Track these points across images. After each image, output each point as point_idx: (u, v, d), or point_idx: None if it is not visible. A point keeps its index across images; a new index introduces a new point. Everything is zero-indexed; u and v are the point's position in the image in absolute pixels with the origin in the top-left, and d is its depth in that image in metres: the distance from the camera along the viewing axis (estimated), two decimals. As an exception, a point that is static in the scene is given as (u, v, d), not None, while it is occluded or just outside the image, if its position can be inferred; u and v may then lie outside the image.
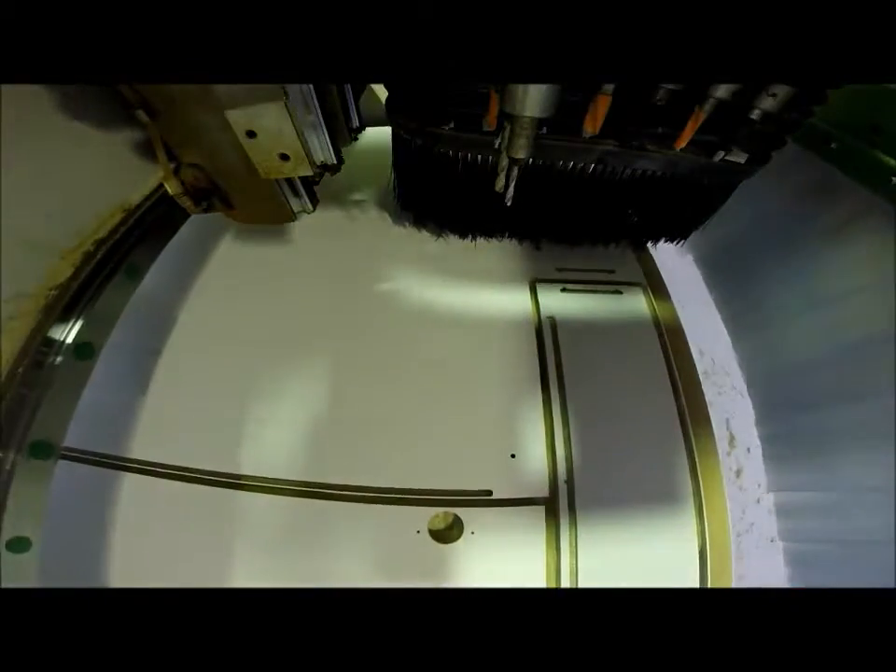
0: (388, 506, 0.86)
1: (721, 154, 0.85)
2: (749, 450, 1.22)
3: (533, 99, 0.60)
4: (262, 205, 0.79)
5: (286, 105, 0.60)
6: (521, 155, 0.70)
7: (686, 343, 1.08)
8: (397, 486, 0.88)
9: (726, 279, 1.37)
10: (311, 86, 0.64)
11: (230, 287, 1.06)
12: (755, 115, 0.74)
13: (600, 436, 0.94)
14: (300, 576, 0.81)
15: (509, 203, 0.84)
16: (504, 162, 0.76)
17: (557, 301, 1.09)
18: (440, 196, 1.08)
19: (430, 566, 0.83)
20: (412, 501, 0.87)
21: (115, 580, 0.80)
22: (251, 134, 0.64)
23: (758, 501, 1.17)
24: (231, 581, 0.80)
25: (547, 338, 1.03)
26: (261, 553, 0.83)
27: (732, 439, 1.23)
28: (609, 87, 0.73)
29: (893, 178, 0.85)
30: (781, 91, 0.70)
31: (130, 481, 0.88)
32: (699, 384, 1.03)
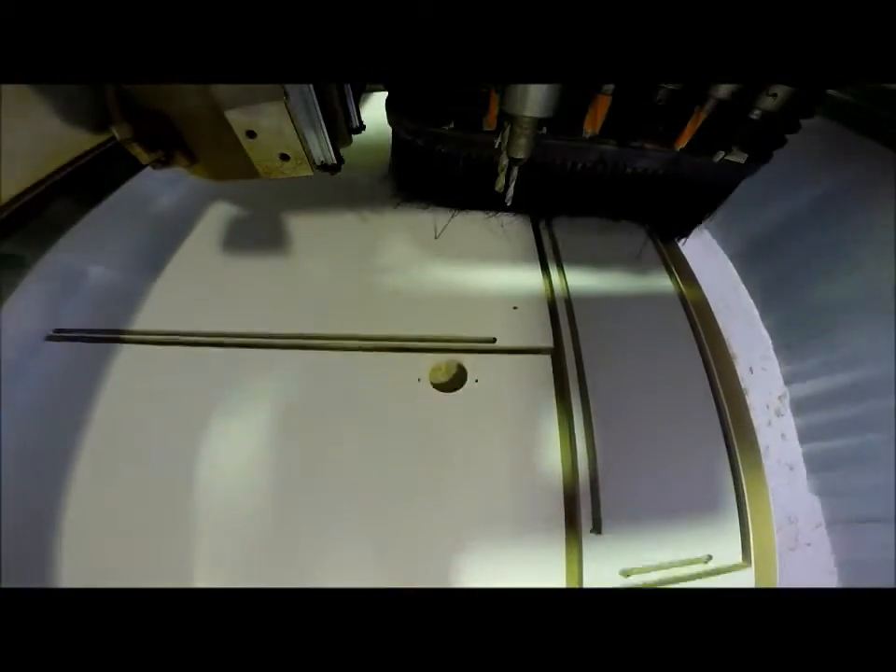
0: (390, 353, 0.87)
1: (721, 154, 0.85)
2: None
3: (533, 99, 0.60)
4: (230, 158, 0.70)
5: (286, 105, 0.60)
6: (521, 155, 0.70)
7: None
8: (398, 335, 0.90)
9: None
10: (311, 86, 0.64)
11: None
12: (755, 115, 0.75)
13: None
14: (301, 429, 0.81)
15: (509, 203, 0.85)
16: (504, 162, 0.76)
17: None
18: (439, 196, 1.09)
19: (433, 413, 0.82)
20: (413, 349, 0.88)
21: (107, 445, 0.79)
22: (251, 134, 0.64)
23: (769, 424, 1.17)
24: (226, 439, 0.79)
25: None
26: (262, 403, 0.83)
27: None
28: (609, 87, 0.73)
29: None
30: (781, 91, 0.70)
31: (127, 350, 0.88)
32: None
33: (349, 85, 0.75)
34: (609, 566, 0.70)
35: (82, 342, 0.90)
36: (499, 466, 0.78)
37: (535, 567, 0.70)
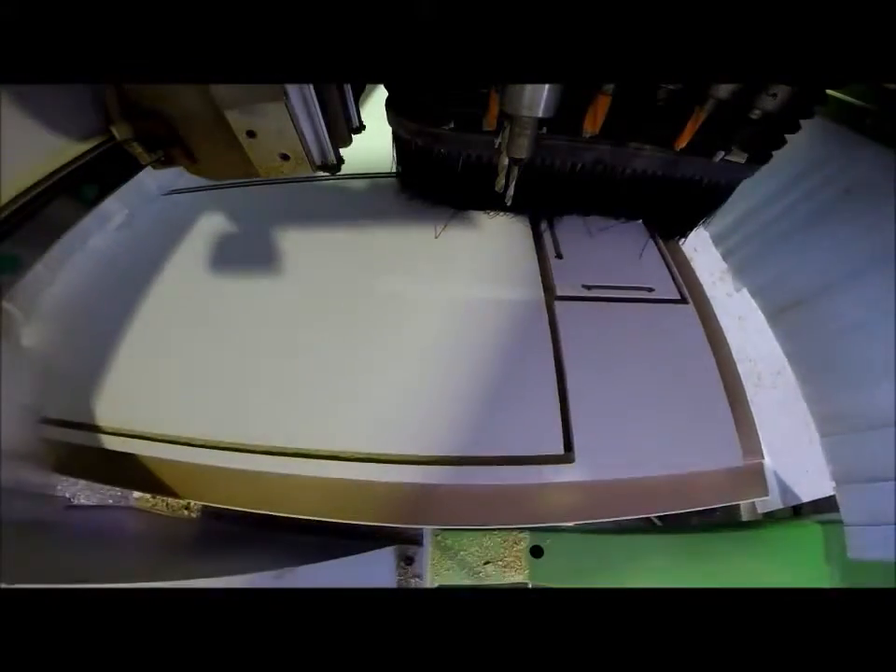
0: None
1: (720, 154, 0.85)
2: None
3: (533, 99, 0.60)
4: (230, 158, 0.70)
5: (286, 105, 0.60)
6: (521, 155, 0.70)
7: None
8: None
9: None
10: (311, 86, 0.64)
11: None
12: (755, 115, 0.75)
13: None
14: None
15: (509, 203, 0.85)
16: (504, 162, 0.76)
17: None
18: (440, 196, 1.09)
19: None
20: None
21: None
22: (251, 134, 0.64)
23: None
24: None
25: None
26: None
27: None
28: (610, 87, 0.73)
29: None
30: (781, 91, 0.70)
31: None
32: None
33: (349, 85, 0.75)
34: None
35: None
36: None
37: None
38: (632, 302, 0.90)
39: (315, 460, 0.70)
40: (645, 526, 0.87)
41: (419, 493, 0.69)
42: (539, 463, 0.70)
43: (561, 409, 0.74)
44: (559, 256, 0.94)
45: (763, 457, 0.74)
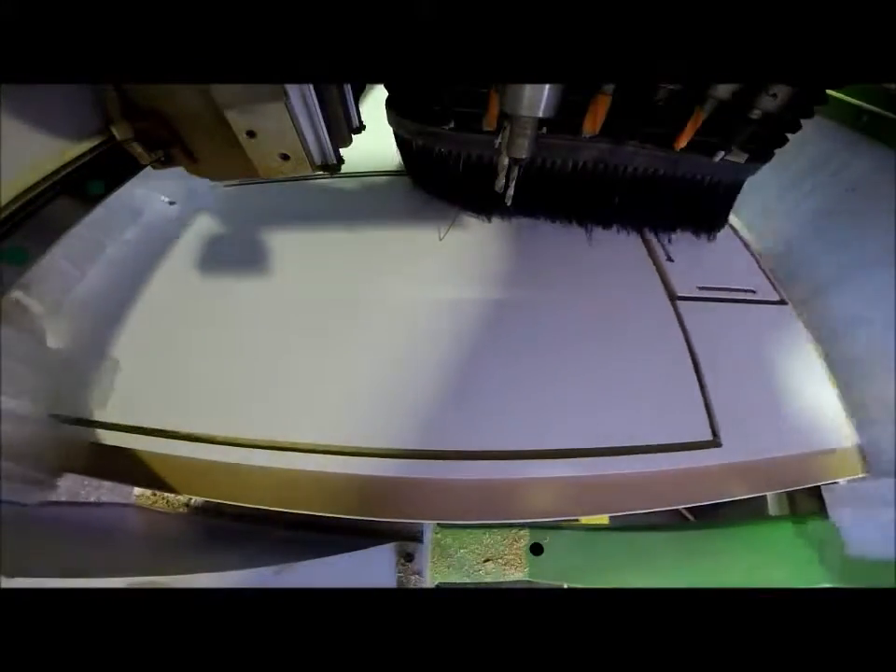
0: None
1: (721, 154, 0.85)
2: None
3: (533, 99, 0.60)
4: (230, 158, 0.70)
5: (286, 105, 0.60)
6: (521, 155, 0.70)
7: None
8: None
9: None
10: (311, 86, 0.64)
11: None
12: (755, 115, 0.75)
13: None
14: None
15: (509, 203, 0.85)
16: (504, 162, 0.76)
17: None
18: (441, 196, 1.09)
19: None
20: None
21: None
22: (251, 134, 0.64)
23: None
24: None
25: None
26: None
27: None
28: (610, 87, 0.73)
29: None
30: (781, 91, 0.70)
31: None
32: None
33: (349, 85, 0.75)
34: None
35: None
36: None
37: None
38: (739, 303, 0.98)
39: (346, 457, 0.73)
40: (645, 524, 0.87)
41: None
42: (689, 449, 0.76)
43: (703, 397, 0.81)
44: (670, 259, 1.03)
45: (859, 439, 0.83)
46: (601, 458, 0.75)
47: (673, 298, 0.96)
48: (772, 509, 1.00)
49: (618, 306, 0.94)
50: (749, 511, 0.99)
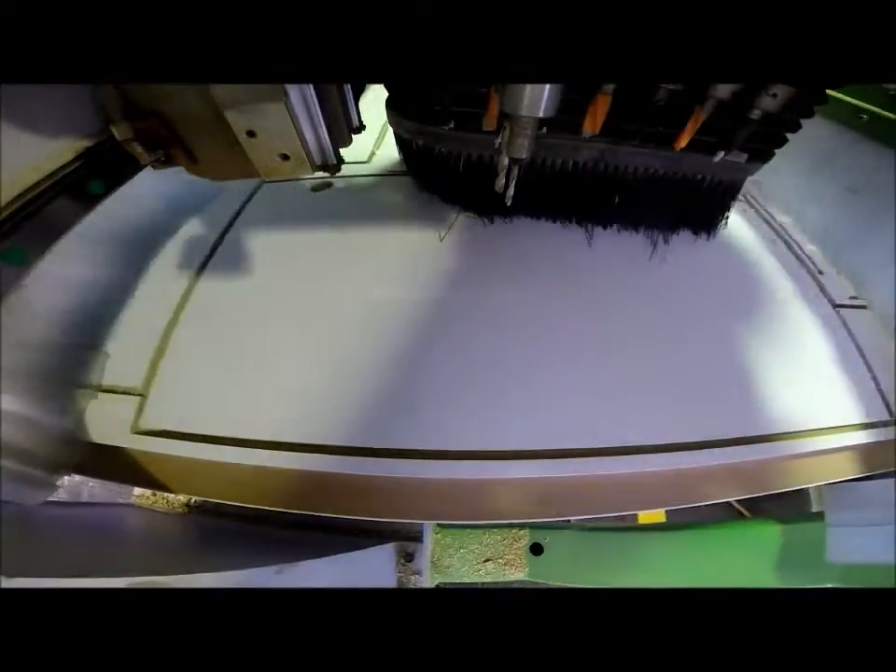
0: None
1: (721, 154, 0.85)
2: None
3: (533, 99, 0.60)
4: (230, 158, 0.70)
5: (286, 105, 0.60)
6: (521, 155, 0.70)
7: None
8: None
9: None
10: (311, 86, 0.64)
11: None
12: (755, 115, 0.75)
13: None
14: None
15: (509, 203, 0.85)
16: (504, 162, 0.76)
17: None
18: (441, 196, 1.09)
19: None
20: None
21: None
22: (251, 134, 0.64)
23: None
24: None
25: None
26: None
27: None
28: (610, 87, 0.73)
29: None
30: (781, 91, 0.70)
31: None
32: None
33: (349, 85, 0.75)
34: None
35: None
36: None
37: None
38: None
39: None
40: (644, 524, 0.88)
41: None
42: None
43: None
44: (821, 272, 1.06)
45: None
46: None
47: (834, 306, 0.99)
48: (815, 504, 1.01)
49: (767, 314, 0.98)
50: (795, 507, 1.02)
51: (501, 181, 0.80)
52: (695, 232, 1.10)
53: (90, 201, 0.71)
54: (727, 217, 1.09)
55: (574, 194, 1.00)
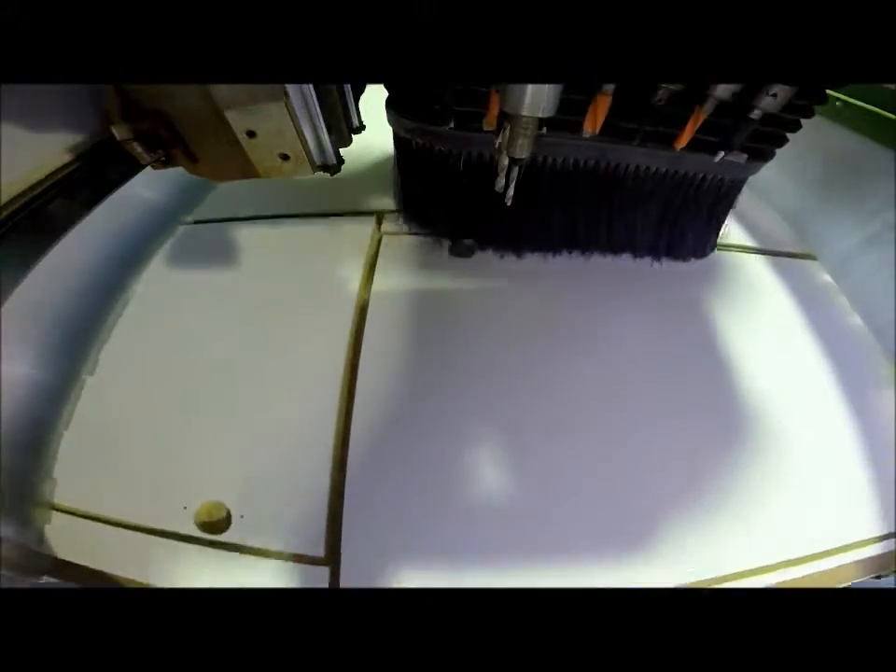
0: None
1: (721, 154, 0.85)
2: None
3: (533, 99, 0.60)
4: (230, 158, 0.70)
5: (286, 105, 0.60)
6: (521, 155, 0.70)
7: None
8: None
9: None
10: (311, 86, 0.64)
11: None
12: (755, 115, 0.75)
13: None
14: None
15: (509, 203, 0.85)
16: (504, 162, 0.76)
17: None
18: (441, 196, 1.08)
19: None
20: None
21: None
22: (251, 134, 0.64)
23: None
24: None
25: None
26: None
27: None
28: (610, 87, 0.73)
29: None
30: (781, 90, 0.70)
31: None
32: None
33: (349, 85, 0.75)
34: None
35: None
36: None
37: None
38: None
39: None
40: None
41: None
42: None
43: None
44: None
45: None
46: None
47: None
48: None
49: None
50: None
51: (501, 181, 0.80)
52: (695, 232, 1.10)
53: (89, 201, 0.71)
54: (727, 217, 1.09)
55: (573, 193, 0.99)
